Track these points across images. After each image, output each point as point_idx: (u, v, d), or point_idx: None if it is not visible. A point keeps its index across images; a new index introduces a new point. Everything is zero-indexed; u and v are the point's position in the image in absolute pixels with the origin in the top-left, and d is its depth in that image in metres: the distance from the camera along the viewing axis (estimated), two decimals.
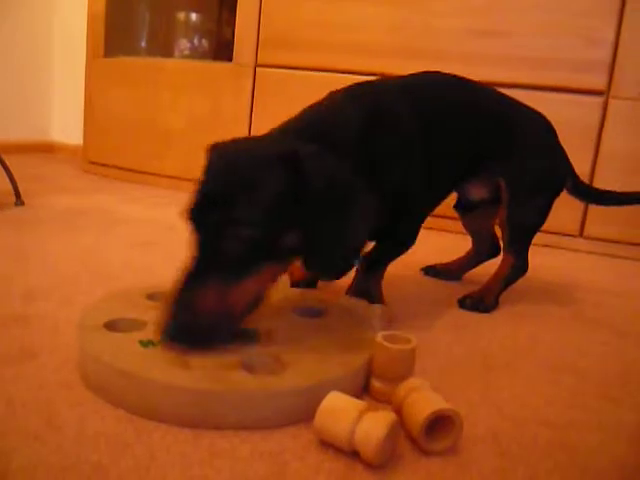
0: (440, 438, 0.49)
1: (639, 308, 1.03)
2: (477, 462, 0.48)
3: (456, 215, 1.08)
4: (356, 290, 0.79)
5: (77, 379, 0.56)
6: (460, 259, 1.11)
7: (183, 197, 1.81)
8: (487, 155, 0.91)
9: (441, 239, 1.45)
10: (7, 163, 1.32)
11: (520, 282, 0.96)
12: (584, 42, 1.41)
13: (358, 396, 0.57)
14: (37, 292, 0.79)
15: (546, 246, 1.48)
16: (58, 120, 2.50)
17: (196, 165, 2.20)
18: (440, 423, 0.49)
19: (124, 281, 0.88)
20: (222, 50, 1.92)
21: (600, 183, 1.45)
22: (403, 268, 0.87)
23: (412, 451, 0.49)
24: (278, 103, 1.69)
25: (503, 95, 0.97)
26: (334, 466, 0.46)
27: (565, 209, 1.45)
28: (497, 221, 0.97)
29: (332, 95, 0.76)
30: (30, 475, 0.42)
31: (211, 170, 0.60)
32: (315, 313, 0.71)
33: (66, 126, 2.44)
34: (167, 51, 1.97)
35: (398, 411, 0.52)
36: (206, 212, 0.56)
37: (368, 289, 0.79)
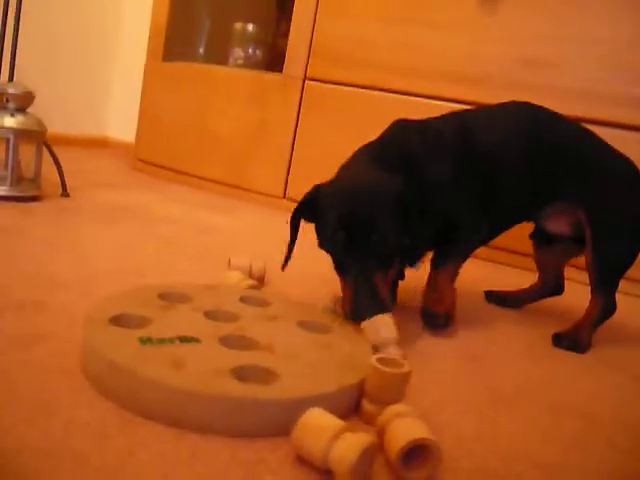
0: (419, 467, 0.49)
1: None
2: None
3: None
4: (427, 292, 0.89)
5: (78, 368, 0.58)
6: (524, 290, 1.13)
7: (225, 202, 1.85)
8: (562, 189, 0.95)
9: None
10: (57, 155, 1.39)
11: (548, 319, 0.94)
12: (633, 77, 1.37)
13: (348, 416, 0.57)
14: (62, 281, 0.83)
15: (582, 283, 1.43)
16: (115, 117, 2.61)
17: (240, 172, 2.25)
18: (420, 452, 0.49)
19: (148, 279, 0.91)
20: (276, 61, 1.96)
21: None
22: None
23: (389, 477, 0.49)
24: (324, 117, 1.71)
25: (588, 132, 0.98)
26: None
27: None
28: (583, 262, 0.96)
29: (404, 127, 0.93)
30: (14, 457, 0.44)
31: (351, 198, 0.78)
32: (322, 329, 0.72)
33: (122, 124, 2.54)
34: (223, 59, 2.03)
35: (381, 435, 0.52)
36: (358, 228, 0.76)
37: (439, 289, 0.88)
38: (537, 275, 1.12)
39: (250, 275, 0.94)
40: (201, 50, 2.12)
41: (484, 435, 0.59)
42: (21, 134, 1.27)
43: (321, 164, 1.43)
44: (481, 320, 1.00)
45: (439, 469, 0.51)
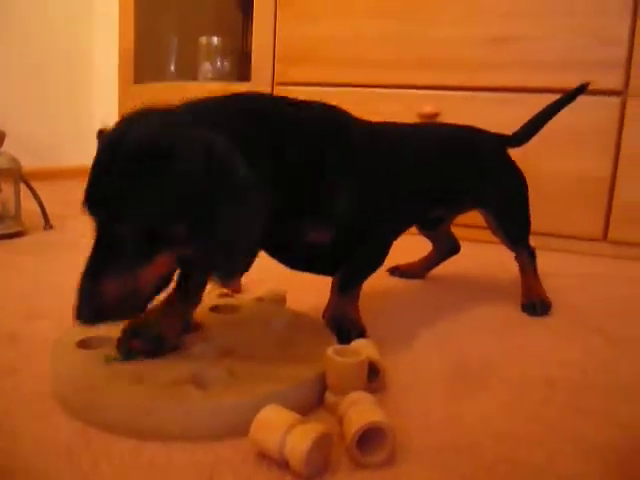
0: (376, 451, 0.50)
1: None
2: (410, 474, 0.49)
3: None
4: (332, 313, 0.76)
5: (49, 393, 0.60)
6: (423, 259, 1.16)
7: None
8: (459, 203, 0.98)
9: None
10: (35, 188, 1.41)
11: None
12: (597, 42, 1.38)
13: (311, 410, 0.58)
14: (38, 312, 0.85)
15: (567, 251, 1.44)
16: None
17: None
18: (377, 436, 0.50)
19: None
20: (246, 71, 1.98)
21: (623, 185, 1.41)
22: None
23: (348, 464, 0.50)
24: None
25: (452, 129, 0.99)
26: (264, 477, 0.47)
27: (587, 212, 1.41)
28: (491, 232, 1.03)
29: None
30: None
31: (100, 158, 0.58)
32: (282, 326, 0.73)
33: None
34: (193, 75, 2.05)
35: (340, 423, 0.53)
36: (98, 205, 0.58)
37: (344, 311, 0.76)
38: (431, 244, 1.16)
39: None
40: (172, 68, 2.14)
41: (449, 412, 0.60)
42: None
43: None
44: (446, 302, 1.02)
45: (403, 449, 0.52)
